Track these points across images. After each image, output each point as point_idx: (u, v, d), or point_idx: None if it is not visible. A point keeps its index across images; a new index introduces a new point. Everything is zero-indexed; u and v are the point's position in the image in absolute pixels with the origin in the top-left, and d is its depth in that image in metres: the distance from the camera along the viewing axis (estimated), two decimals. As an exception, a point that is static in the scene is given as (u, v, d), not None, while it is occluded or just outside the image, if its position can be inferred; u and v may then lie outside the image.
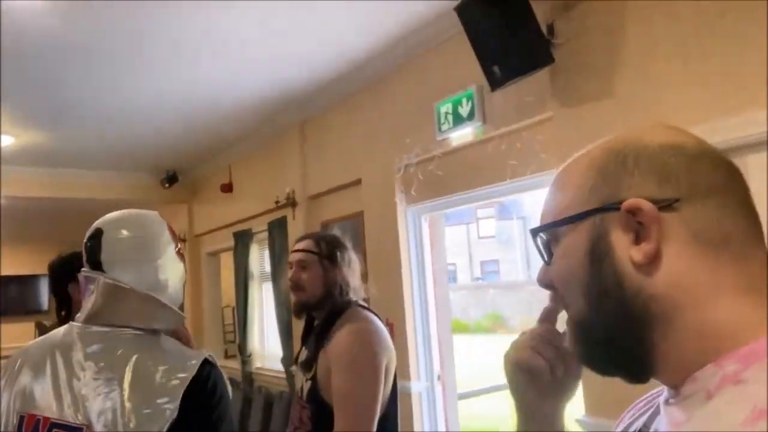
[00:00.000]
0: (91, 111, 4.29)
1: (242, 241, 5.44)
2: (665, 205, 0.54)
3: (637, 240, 0.55)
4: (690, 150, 0.56)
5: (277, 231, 4.73)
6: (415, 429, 3.40)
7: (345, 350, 1.74)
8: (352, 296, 1.89)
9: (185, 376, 1.11)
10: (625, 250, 0.55)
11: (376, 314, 1.91)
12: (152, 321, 1.21)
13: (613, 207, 0.56)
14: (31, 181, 5.74)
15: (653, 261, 0.54)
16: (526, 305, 19.88)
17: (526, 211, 26.32)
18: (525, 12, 2.36)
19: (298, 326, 2.06)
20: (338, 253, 1.91)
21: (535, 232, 0.64)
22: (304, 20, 3.09)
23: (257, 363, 5.44)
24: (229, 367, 5.94)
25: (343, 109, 4.12)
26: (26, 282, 9.42)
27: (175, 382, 1.10)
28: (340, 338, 1.76)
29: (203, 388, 1.13)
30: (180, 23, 3.03)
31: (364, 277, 2.00)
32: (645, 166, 0.56)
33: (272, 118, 4.71)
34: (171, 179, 6.13)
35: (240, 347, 5.47)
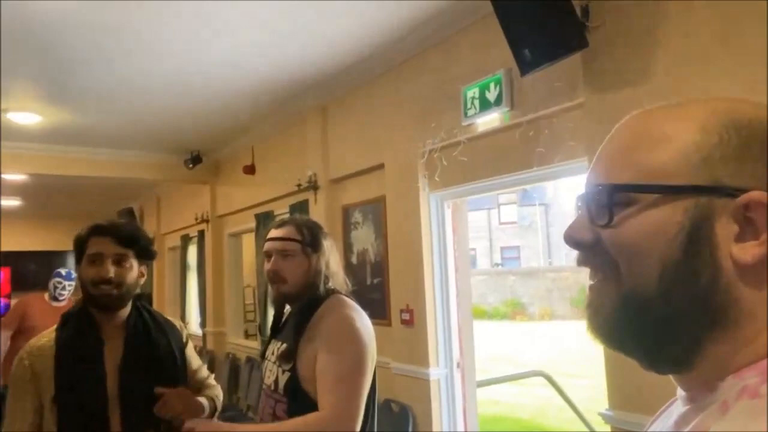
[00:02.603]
0: (116, 91, 4.30)
1: (264, 222, 5.45)
2: None
3: (741, 236, 0.49)
4: None
5: (299, 214, 4.73)
6: (434, 415, 3.39)
7: (339, 337, 1.62)
8: (333, 284, 1.75)
9: None
10: (727, 242, 0.50)
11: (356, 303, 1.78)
12: None
13: (731, 192, 0.49)
14: (56, 159, 5.81)
15: (759, 265, 0.49)
16: (546, 292, 19.75)
17: (549, 197, 26.05)
18: (559, -7, 2.28)
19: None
20: (322, 240, 1.76)
21: (617, 189, 0.53)
22: (328, 1, 3.04)
23: (277, 344, 5.47)
24: (250, 347, 6.01)
25: (367, 93, 4.07)
26: (45, 258, 9.73)
27: None
28: (332, 327, 1.63)
29: None
30: (204, 2, 3.00)
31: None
32: None
33: (295, 101, 4.68)
34: (195, 160, 6.16)
35: (260, 327, 5.51)
